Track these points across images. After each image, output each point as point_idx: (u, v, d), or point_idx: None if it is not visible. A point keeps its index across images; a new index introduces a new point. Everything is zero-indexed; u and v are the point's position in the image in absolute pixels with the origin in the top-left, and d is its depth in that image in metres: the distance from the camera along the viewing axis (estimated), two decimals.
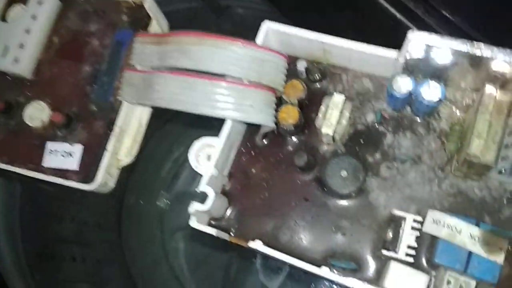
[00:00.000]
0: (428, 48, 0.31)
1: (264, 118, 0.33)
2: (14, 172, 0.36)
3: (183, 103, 0.33)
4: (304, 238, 0.35)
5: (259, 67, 0.33)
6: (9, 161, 0.37)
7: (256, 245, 0.33)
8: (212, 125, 0.35)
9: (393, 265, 0.31)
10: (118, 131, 0.36)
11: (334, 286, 0.42)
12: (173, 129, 0.77)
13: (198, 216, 0.34)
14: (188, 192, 0.55)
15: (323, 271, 0.32)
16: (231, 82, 0.32)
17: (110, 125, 0.36)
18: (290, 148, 0.37)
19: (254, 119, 0.33)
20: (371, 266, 0.33)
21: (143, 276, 0.53)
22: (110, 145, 0.35)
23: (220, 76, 0.32)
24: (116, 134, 0.35)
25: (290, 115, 0.35)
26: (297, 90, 0.35)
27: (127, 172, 0.43)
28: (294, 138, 0.37)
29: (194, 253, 0.57)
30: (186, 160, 0.34)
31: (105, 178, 0.35)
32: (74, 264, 0.47)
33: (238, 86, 0.32)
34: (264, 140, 0.37)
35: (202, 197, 0.33)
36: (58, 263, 0.45)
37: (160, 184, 0.63)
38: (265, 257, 0.38)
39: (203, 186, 0.34)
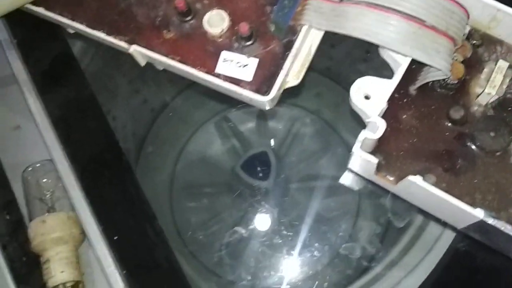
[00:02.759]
0: None
1: (445, 66, 0.36)
2: None
3: (377, 36, 0.35)
4: (447, 186, 0.38)
5: (449, 18, 0.35)
6: (181, 61, 0.38)
7: (416, 179, 0.36)
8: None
9: None
10: (294, 53, 0.37)
11: None
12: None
13: (362, 144, 0.36)
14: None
15: (479, 213, 0.35)
16: (426, 26, 0.35)
17: (287, 46, 0.38)
18: (441, 101, 0.39)
19: (437, 64, 0.35)
20: None
21: None
22: (286, 65, 0.37)
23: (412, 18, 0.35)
24: (292, 55, 0.37)
25: (456, 71, 0.38)
26: (465, 49, 0.38)
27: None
28: (448, 93, 0.39)
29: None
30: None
31: (277, 94, 0.37)
32: None
33: (432, 31, 0.35)
34: (415, 90, 0.40)
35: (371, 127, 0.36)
36: None
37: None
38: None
39: (375, 117, 0.36)
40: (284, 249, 0.72)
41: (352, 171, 0.41)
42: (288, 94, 0.83)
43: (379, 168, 0.38)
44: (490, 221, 0.34)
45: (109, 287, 0.38)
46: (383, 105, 0.36)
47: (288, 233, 0.74)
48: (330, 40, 0.43)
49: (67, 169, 0.41)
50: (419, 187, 0.36)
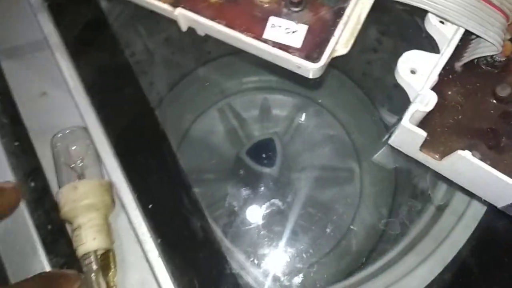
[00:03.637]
0: None
1: (498, 40, 0.35)
2: None
3: (434, 4, 0.35)
4: (491, 163, 0.37)
5: None
6: (227, 25, 0.37)
7: (466, 154, 0.35)
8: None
9: None
10: (345, 20, 0.37)
11: None
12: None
13: (412, 117, 0.36)
14: None
15: None
16: None
17: (337, 13, 0.37)
18: (487, 79, 0.39)
19: (491, 38, 0.35)
20: None
21: None
22: (337, 32, 0.36)
23: None
24: (343, 22, 0.37)
25: (505, 48, 0.37)
26: None
27: None
28: (493, 71, 0.39)
29: None
30: None
31: (326, 61, 0.36)
32: None
33: (488, 4, 0.35)
34: (461, 67, 0.39)
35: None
36: None
37: None
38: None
39: (426, 90, 0.36)
40: (286, 236, 0.72)
41: (391, 148, 0.40)
42: (294, 83, 0.82)
43: (423, 144, 0.37)
44: None
45: (144, 255, 0.37)
46: (434, 78, 0.36)
47: (290, 221, 0.74)
48: None
49: (101, 135, 0.39)
50: (466, 163, 0.35)
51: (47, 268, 0.36)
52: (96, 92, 0.40)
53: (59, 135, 0.40)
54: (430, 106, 0.35)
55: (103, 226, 0.36)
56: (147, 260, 0.36)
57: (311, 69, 0.35)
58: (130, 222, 0.37)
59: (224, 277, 0.37)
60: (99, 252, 0.36)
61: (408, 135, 0.36)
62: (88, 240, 0.35)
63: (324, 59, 0.35)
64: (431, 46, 0.39)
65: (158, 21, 0.67)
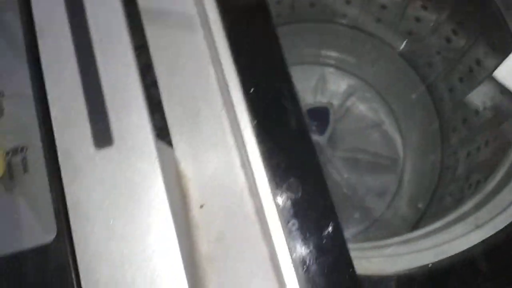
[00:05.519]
0: None
1: None
2: None
3: None
4: None
5: None
6: None
7: None
8: None
9: None
10: None
11: None
12: None
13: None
14: None
15: None
16: None
17: None
18: None
19: None
20: None
21: None
22: None
23: None
24: None
25: None
26: None
27: None
28: None
29: None
30: None
31: None
32: None
33: None
34: None
35: None
36: None
37: None
38: None
39: None
40: None
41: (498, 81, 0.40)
42: (353, 62, 0.82)
43: None
44: None
45: (233, 136, 0.36)
46: None
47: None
48: None
49: (215, 17, 0.40)
50: None
51: None
52: None
53: None
54: None
55: None
56: (238, 140, 0.36)
57: None
58: (228, 103, 0.37)
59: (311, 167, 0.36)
60: None
61: None
62: None
63: None
64: None
65: None
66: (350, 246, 0.32)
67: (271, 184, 0.33)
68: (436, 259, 0.37)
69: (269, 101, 0.38)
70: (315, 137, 0.74)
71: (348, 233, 0.75)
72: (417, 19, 0.74)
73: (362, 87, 0.84)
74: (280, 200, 0.33)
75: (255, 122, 0.36)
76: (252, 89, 0.38)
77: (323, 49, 0.86)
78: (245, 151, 0.35)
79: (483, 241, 0.37)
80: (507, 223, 0.40)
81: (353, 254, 0.32)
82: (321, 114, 0.76)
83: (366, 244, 0.44)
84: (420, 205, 0.77)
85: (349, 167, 0.80)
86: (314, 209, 0.34)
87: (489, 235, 0.39)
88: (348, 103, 0.83)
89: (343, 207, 0.78)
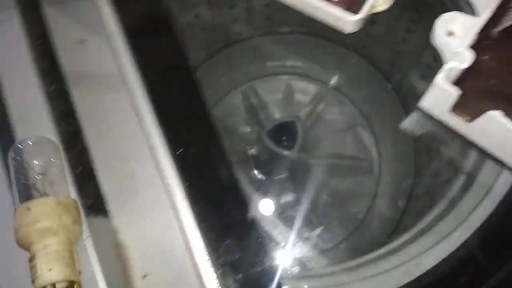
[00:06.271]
0: None
1: None
2: None
3: None
4: None
5: None
6: None
7: (497, 115, 0.35)
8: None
9: None
10: None
11: None
12: None
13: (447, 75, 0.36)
14: None
15: None
16: None
17: None
18: None
19: None
20: None
21: None
22: None
23: None
24: None
25: None
26: None
27: None
28: None
29: None
30: None
31: (365, 15, 0.36)
32: None
33: None
34: (498, 33, 0.39)
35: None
36: None
37: None
38: None
39: (464, 48, 0.36)
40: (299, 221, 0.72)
41: (421, 112, 0.40)
42: (319, 69, 0.82)
43: (454, 106, 0.37)
44: None
45: (168, 199, 0.37)
46: (471, 37, 0.36)
47: (305, 206, 0.73)
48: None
49: (136, 80, 0.40)
50: (496, 125, 0.35)
51: None
52: (134, 38, 0.41)
53: (19, 145, 0.34)
54: (466, 64, 0.35)
55: (62, 253, 0.30)
56: (172, 204, 0.36)
57: (348, 21, 0.36)
58: (158, 166, 0.37)
59: (246, 224, 0.36)
60: (60, 286, 0.30)
61: (440, 93, 0.36)
62: (44, 271, 0.29)
63: (365, 11, 0.36)
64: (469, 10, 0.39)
65: None
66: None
67: (208, 249, 0.34)
68: None
69: (198, 160, 0.38)
70: (286, 152, 0.74)
71: (331, 241, 0.76)
72: (372, 21, 0.74)
73: (330, 92, 0.84)
74: (218, 264, 0.34)
75: (186, 184, 0.37)
76: (180, 150, 0.38)
77: (287, 60, 0.86)
78: (179, 216, 0.35)
79: None
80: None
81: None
82: (289, 128, 0.76)
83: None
84: (399, 204, 0.77)
85: (327, 173, 0.80)
86: (254, 268, 0.34)
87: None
88: (318, 109, 0.83)
89: (324, 214, 0.78)
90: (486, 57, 0.39)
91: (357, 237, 0.76)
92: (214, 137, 0.38)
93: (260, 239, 0.35)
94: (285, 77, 0.86)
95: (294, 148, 0.75)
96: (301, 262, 0.65)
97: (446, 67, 0.35)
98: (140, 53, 0.40)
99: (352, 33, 0.39)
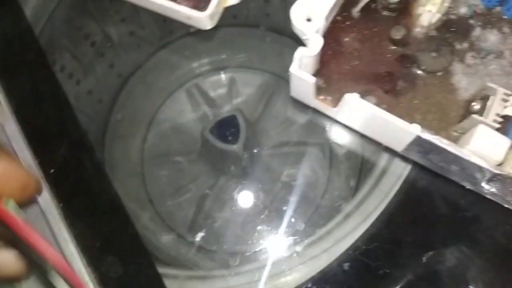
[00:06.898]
0: None
1: None
2: None
3: None
4: (387, 108, 0.37)
5: None
6: None
7: (353, 97, 0.35)
8: None
9: (480, 128, 0.34)
10: None
11: None
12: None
13: (299, 63, 0.35)
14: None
15: (415, 128, 0.34)
16: None
17: None
18: (384, 23, 0.39)
19: None
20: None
21: None
22: None
23: None
24: None
25: None
26: None
27: None
28: (389, 14, 0.39)
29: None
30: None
31: (215, 10, 0.36)
32: None
33: None
34: (358, 12, 0.39)
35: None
36: None
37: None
38: None
39: (312, 34, 0.35)
40: (258, 212, 0.72)
41: (295, 100, 0.40)
42: (261, 59, 0.82)
43: (319, 91, 0.37)
44: (426, 136, 0.33)
45: (46, 222, 0.37)
46: (321, 22, 0.35)
47: (261, 198, 0.73)
48: None
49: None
50: (357, 107, 0.35)
51: None
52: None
53: None
54: (315, 50, 0.34)
55: None
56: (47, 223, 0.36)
57: (200, 18, 0.35)
58: None
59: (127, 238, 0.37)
60: None
61: (299, 82, 0.36)
62: None
63: (212, 7, 0.35)
64: None
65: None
66: None
67: (90, 268, 0.34)
68: None
69: (72, 176, 0.38)
70: (232, 147, 0.74)
71: (292, 230, 0.75)
72: None
73: (273, 80, 0.83)
74: (101, 282, 0.34)
75: (61, 205, 0.37)
76: (52, 170, 0.38)
77: (225, 53, 0.85)
78: (57, 238, 0.35)
79: None
80: None
81: None
82: (231, 123, 0.76)
83: None
84: (352, 183, 0.77)
85: (280, 162, 0.80)
86: (139, 282, 0.34)
87: None
88: (263, 100, 0.82)
89: (282, 202, 0.77)
90: (349, 39, 0.38)
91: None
92: (86, 153, 0.38)
93: (144, 254, 0.35)
94: (228, 71, 0.85)
95: (239, 141, 0.75)
96: None
97: (296, 55, 0.35)
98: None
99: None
